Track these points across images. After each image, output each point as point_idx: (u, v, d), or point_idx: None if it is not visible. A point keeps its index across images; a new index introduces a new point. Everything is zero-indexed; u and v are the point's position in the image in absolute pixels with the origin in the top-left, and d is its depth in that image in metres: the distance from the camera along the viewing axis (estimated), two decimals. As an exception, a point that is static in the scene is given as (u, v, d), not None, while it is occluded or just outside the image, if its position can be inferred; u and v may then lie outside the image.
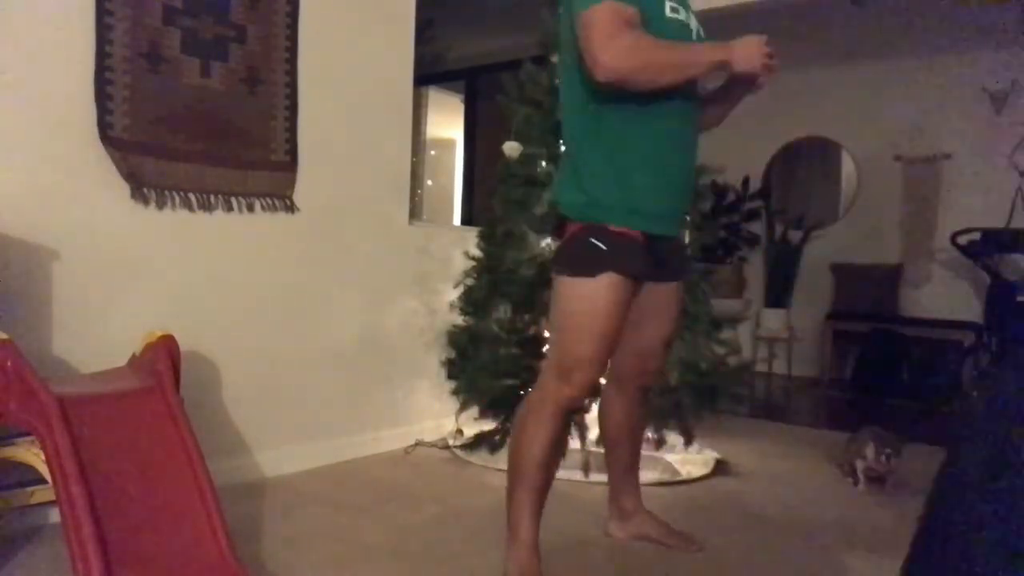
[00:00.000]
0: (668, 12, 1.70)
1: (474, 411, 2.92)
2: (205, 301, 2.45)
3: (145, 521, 1.60)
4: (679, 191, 1.81)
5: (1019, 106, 5.09)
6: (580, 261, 1.71)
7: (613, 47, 1.55)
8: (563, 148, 1.90)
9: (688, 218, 1.94)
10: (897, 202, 5.59)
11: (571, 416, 1.83)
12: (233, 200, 2.50)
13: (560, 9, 1.78)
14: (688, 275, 1.99)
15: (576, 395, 1.74)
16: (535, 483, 1.76)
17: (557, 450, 1.79)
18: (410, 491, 2.54)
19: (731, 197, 5.98)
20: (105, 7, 2.13)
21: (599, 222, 1.71)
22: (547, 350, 1.79)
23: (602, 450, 2.25)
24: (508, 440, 1.83)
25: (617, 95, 1.65)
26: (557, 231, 1.83)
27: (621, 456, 2.11)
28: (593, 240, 1.70)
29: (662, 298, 1.91)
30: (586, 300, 1.70)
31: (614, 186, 1.71)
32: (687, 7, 1.79)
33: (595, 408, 2.74)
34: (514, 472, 1.79)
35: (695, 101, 1.82)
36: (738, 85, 1.82)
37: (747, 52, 1.64)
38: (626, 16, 1.58)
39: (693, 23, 1.79)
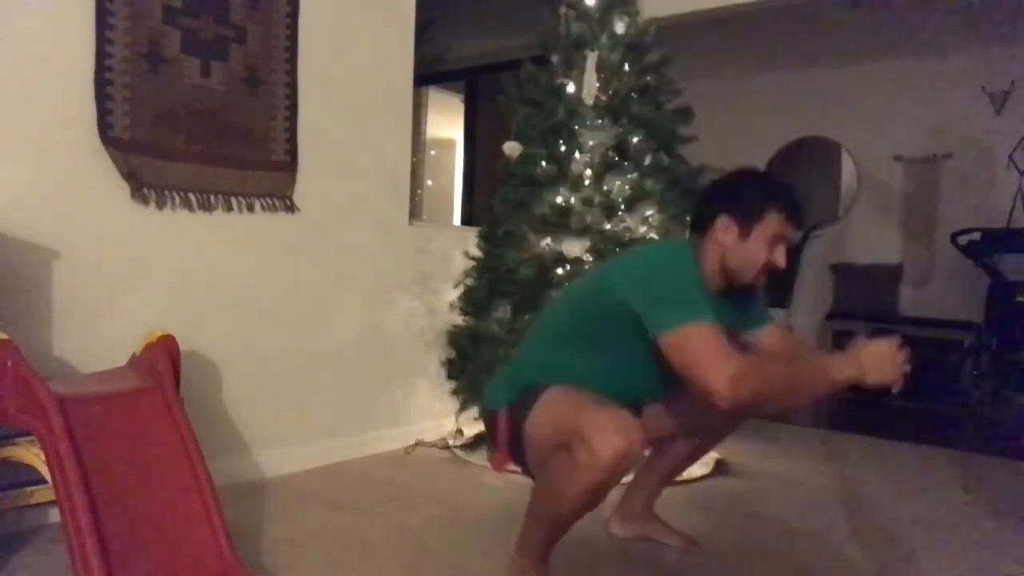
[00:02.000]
0: None
1: (474, 411, 2.92)
2: (205, 301, 2.45)
3: (145, 521, 1.60)
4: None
5: (1019, 106, 5.09)
6: (521, 409, 1.61)
7: (730, 378, 1.42)
8: (518, 355, 1.85)
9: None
10: (897, 202, 5.59)
11: (621, 472, 1.52)
12: (233, 200, 2.50)
13: (602, 278, 1.70)
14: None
15: (610, 451, 1.43)
16: (564, 528, 1.64)
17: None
18: (410, 491, 2.54)
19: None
20: (105, 7, 2.13)
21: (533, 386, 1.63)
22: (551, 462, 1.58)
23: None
24: (543, 479, 1.63)
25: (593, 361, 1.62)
26: (492, 433, 1.73)
27: (664, 471, 2.05)
28: (525, 401, 1.61)
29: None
30: (549, 406, 1.58)
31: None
32: (733, 312, 1.73)
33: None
34: (546, 514, 1.63)
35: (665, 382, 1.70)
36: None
37: (879, 363, 1.49)
38: (723, 337, 1.48)
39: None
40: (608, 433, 1.43)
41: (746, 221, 1.65)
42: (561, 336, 1.73)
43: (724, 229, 1.66)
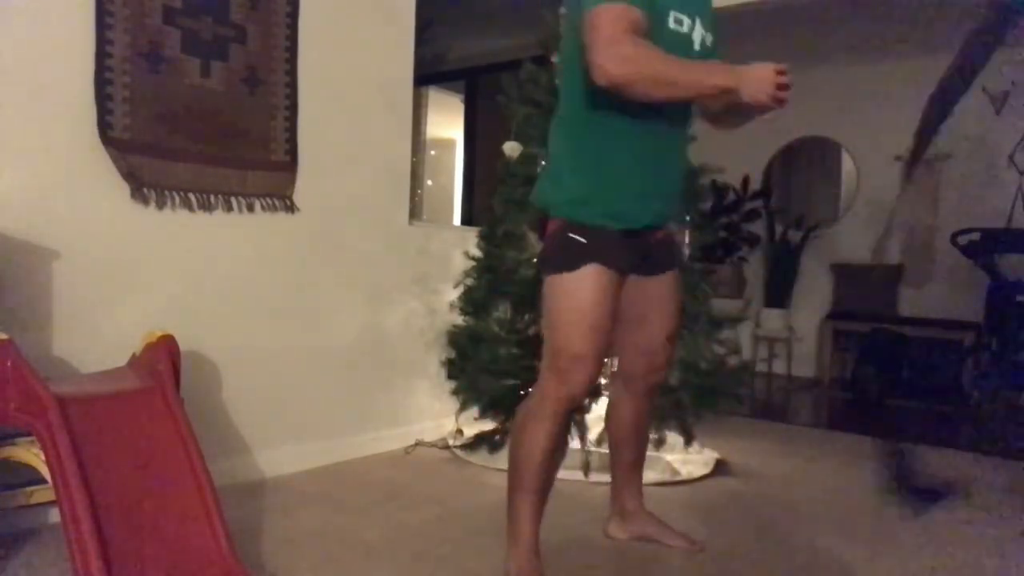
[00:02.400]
0: (671, 23, 1.67)
1: (474, 411, 2.92)
2: (205, 301, 2.45)
3: (145, 521, 1.60)
4: (662, 198, 1.81)
5: (1019, 106, 5.09)
6: (561, 256, 1.72)
7: (613, 52, 1.50)
8: (549, 146, 1.90)
9: (677, 217, 1.92)
10: (897, 202, 5.59)
11: (571, 416, 1.81)
12: (233, 200, 2.50)
13: (562, 8, 1.77)
14: (675, 266, 1.96)
15: (575, 394, 1.72)
16: (535, 485, 1.75)
17: (558, 452, 1.79)
18: (410, 491, 2.54)
19: (731, 197, 5.98)
20: (105, 7, 2.13)
21: (579, 219, 1.72)
22: (543, 350, 1.78)
23: (602, 450, 2.26)
24: (508, 442, 1.82)
25: (610, 100, 1.63)
26: (540, 230, 1.84)
27: (626, 456, 2.10)
28: (572, 235, 1.71)
29: (657, 293, 1.91)
30: (571, 294, 1.70)
31: (596, 187, 1.72)
32: (699, 15, 1.75)
33: (595, 408, 2.75)
34: (514, 474, 1.78)
35: (688, 114, 1.82)
36: (745, 108, 1.72)
37: (757, 81, 1.54)
38: (633, 20, 1.53)
39: (698, 34, 1.74)
40: (571, 372, 1.68)
41: None
42: (578, 115, 1.75)
43: None
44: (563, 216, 1.75)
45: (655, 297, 1.91)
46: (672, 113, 1.74)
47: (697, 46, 1.74)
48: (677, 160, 1.85)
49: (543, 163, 2.84)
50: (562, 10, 2.82)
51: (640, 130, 1.70)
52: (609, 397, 2.11)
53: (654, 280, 1.90)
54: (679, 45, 1.69)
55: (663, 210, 1.84)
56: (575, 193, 1.73)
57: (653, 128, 1.72)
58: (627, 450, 2.10)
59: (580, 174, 1.74)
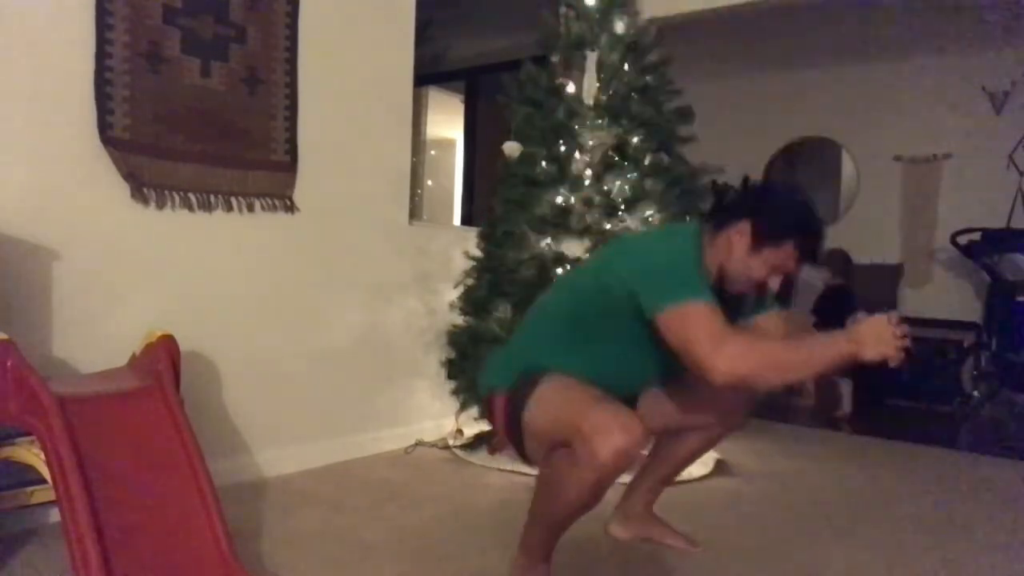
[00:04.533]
0: None
1: (474, 411, 2.92)
2: (205, 301, 2.45)
3: (145, 521, 1.60)
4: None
5: (1019, 106, 5.09)
6: (521, 396, 1.60)
7: (726, 355, 1.44)
8: (516, 339, 1.83)
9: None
10: (897, 202, 5.59)
11: (618, 472, 1.52)
12: (233, 200, 2.50)
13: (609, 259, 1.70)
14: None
15: (611, 449, 1.43)
16: (566, 526, 1.66)
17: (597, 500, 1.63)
18: (410, 491, 2.54)
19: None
20: (105, 7, 2.13)
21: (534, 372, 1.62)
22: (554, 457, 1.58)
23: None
24: (544, 476, 1.64)
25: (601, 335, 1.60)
26: (488, 416, 1.75)
27: (664, 470, 2.01)
28: (522, 388, 1.61)
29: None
30: (547, 397, 1.58)
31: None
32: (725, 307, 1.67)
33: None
34: (546, 513, 1.65)
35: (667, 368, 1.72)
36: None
37: (876, 339, 1.47)
38: (721, 317, 1.49)
39: None
40: (608, 432, 1.43)
41: (763, 238, 1.62)
42: (560, 319, 1.73)
43: (741, 233, 1.64)
44: (510, 384, 1.65)
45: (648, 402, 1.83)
46: (655, 361, 1.68)
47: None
48: (650, 376, 1.79)
49: (543, 163, 2.84)
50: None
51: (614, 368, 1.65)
52: None
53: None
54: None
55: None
56: (536, 361, 1.65)
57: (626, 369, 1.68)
58: (669, 466, 2.00)
59: (541, 360, 1.65)
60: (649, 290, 1.54)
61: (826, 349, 1.52)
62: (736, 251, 1.64)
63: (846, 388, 4.49)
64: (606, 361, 1.65)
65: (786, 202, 1.71)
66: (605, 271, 1.66)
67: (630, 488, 2.10)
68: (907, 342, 1.50)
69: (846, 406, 4.46)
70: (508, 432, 1.68)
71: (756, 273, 1.63)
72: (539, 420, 1.59)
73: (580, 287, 1.75)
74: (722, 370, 1.44)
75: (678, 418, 1.86)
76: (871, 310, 1.57)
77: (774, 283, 1.66)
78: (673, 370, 1.67)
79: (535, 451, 1.64)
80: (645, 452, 2.01)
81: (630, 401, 1.68)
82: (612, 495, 2.15)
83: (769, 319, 1.81)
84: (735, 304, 1.75)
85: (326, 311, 2.83)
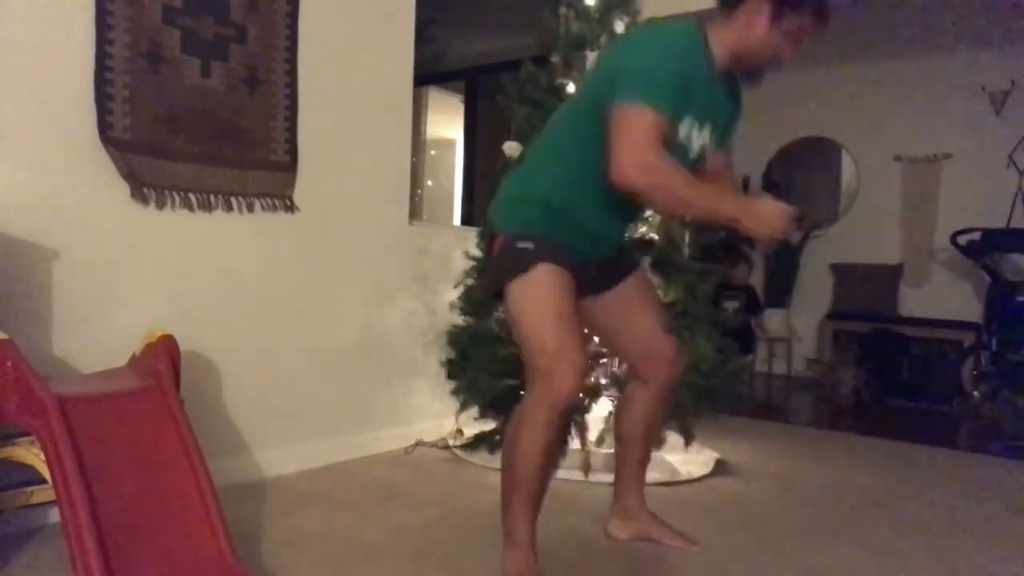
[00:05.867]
0: (680, 136, 1.70)
1: (474, 411, 2.92)
2: (205, 301, 2.45)
3: (145, 521, 1.60)
4: (606, 242, 1.89)
5: (1019, 106, 5.10)
6: (511, 265, 1.74)
7: (639, 159, 1.56)
8: (521, 164, 1.93)
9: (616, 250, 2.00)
10: (897, 202, 5.59)
11: (568, 418, 1.80)
12: (233, 200, 2.50)
13: (601, 53, 1.79)
14: (635, 266, 2.02)
15: (563, 392, 1.67)
16: (531, 489, 1.74)
17: (553, 455, 1.78)
18: (410, 491, 2.54)
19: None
20: (105, 7, 2.13)
21: (525, 232, 1.76)
22: (524, 360, 1.78)
23: (602, 450, 2.25)
24: (503, 445, 1.81)
25: (598, 158, 1.65)
26: (488, 248, 1.87)
27: (634, 453, 2.08)
28: (519, 244, 1.74)
29: (627, 297, 1.94)
30: (530, 296, 1.71)
31: (549, 219, 1.76)
32: (712, 122, 1.78)
33: (595, 408, 2.75)
34: (509, 478, 1.77)
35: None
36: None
37: (764, 220, 1.63)
38: (661, 130, 1.58)
39: (699, 142, 1.77)
40: (559, 375, 1.64)
41: (782, 8, 1.66)
42: (560, 137, 1.81)
43: (757, 10, 1.68)
44: (511, 231, 1.79)
45: (627, 301, 1.94)
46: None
47: (693, 153, 1.78)
48: (627, 217, 1.94)
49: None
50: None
51: (607, 186, 1.69)
52: (625, 392, 2.09)
53: (619, 288, 1.93)
54: (678, 156, 1.70)
55: (604, 250, 1.90)
56: (524, 214, 1.79)
57: (612, 193, 1.72)
58: (636, 448, 2.07)
59: (532, 200, 1.79)
60: (618, 86, 1.62)
61: (716, 205, 1.65)
62: (756, 27, 1.69)
63: (848, 372, 4.52)
64: (596, 177, 1.70)
65: None
66: (603, 72, 1.74)
67: (616, 488, 2.14)
68: (791, 235, 1.65)
69: (846, 384, 4.48)
70: (493, 269, 1.85)
71: (775, 44, 1.69)
72: (515, 309, 1.74)
73: (579, 101, 1.83)
74: (626, 173, 1.56)
75: (619, 336, 1.99)
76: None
77: (791, 53, 1.72)
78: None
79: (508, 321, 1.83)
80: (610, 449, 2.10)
81: (610, 236, 1.88)
82: (605, 495, 2.16)
83: (716, 159, 1.89)
84: (735, 96, 1.85)
85: (326, 311, 2.83)
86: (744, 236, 1.68)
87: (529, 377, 1.76)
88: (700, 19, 1.76)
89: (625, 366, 2.09)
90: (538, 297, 1.70)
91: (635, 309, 1.94)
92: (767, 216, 1.62)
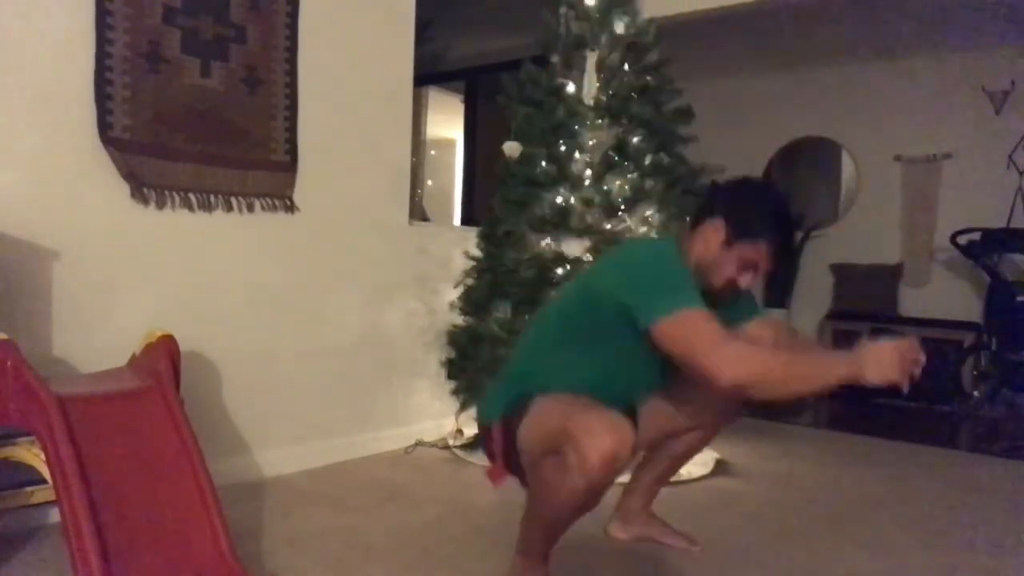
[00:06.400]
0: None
1: (474, 411, 2.91)
2: (205, 301, 2.45)
3: (145, 521, 1.60)
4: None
5: (1019, 106, 5.09)
6: (516, 422, 1.59)
7: (730, 359, 1.43)
8: (510, 365, 1.83)
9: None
10: (897, 202, 5.59)
11: (612, 475, 1.49)
12: (233, 200, 2.50)
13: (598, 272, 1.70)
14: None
15: (601, 448, 1.40)
16: (561, 526, 1.64)
17: (591, 502, 1.57)
18: (410, 491, 2.54)
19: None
20: (105, 7, 2.13)
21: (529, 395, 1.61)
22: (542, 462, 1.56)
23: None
24: (534, 477, 1.62)
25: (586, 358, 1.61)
26: (485, 448, 1.74)
27: (660, 468, 2.01)
28: (518, 412, 1.60)
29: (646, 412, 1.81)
30: (538, 409, 1.57)
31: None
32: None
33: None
34: (538, 510, 1.63)
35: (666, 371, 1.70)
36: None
37: (881, 363, 1.43)
38: (717, 321, 1.47)
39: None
40: (597, 436, 1.41)
41: (737, 234, 1.61)
42: (552, 342, 1.71)
43: (715, 229, 1.63)
44: (505, 412, 1.64)
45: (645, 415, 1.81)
46: (645, 372, 1.69)
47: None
48: (647, 385, 1.77)
49: (543, 163, 2.84)
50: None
51: (605, 385, 1.62)
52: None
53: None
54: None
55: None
56: (529, 386, 1.64)
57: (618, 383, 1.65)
58: (666, 465, 2.00)
59: (533, 380, 1.65)
60: (641, 301, 1.51)
61: (830, 367, 1.48)
62: (710, 247, 1.63)
63: None
64: (602, 374, 1.64)
65: (762, 198, 1.69)
66: (592, 287, 1.64)
67: (628, 488, 2.10)
68: (918, 368, 1.46)
69: None
70: (507, 460, 1.66)
71: (728, 269, 1.62)
72: (531, 434, 1.57)
73: (567, 307, 1.73)
74: (728, 375, 1.42)
75: (676, 422, 1.85)
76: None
77: (745, 280, 1.64)
78: (668, 376, 1.67)
79: (530, 469, 1.61)
80: (640, 455, 2.01)
81: (629, 412, 1.65)
82: (611, 495, 2.16)
83: (762, 326, 1.80)
84: (724, 306, 1.72)
85: (326, 311, 2.83)
86: (886, 389, 1.49)
87: (564, 457, 1.49)
88: (676, 235, 1.72)
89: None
90: (552, 403, 1.56)
91: (650, 418, 1.81)
92: (883, 359, 1.43)
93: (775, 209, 1.64)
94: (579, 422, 1.45)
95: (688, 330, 1.47)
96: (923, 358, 1.47)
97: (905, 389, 1.47)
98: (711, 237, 1.63)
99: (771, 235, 1.60)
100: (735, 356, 1.43)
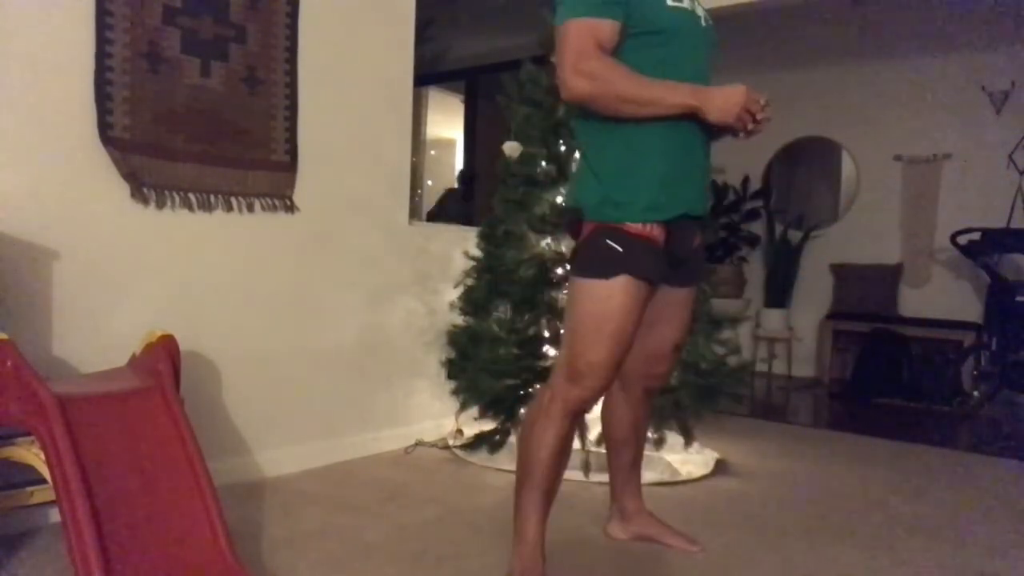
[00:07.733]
0: (669, 1, 1.64)
1: (474, 411, 2.92)
2: (205, 301, 2.45)
3: (145, 521, 1.60)
4: (691, 184, 1.73)
5: (1019, 106, 5.10)
6: (595, 263, 1.67)
7: (578, 69, 1.55)
8: (578, 150, 1.88)
9: (705, 211, 1.86)
10: (897, 202, 5.59)
11: (579, 418, 1.81)
12: (233, 200, 2.50)
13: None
14: (702, 279, 1.97)
15: (586, 397, 1.72)
16: (543, 484, 1.74)
17: (565, 451, 1.77)
18: (410, 491, 2.54)
19: (731, 197, 5.99)
20: (105, 7, 2.13)
21: (615, 222, 1.66)
22: (560, 350, 1.76)
23: (603, 450, 2.25)
24: (516, 440, 1.82)
25: None
26: (572, 230, 1.78)
27: (624, 457, 2.10)
28: (608, 241, 1.65)
29: (675, 301, 1.88)
30: (600, 302, 1.65)
31: (630, 179, 1.66)
32: None
33: (597, 408, 2.75)
34: (522, 472, 1.77)
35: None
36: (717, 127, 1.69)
37: (723, 103, 1.56)
38: (600, 35, 1.55)
39: (700, 11, 1.73)
40: (591, 382, 1.68)
41: None
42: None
43: None
44: (598, 220, 1.69)
45: (673, 304, 1.87)
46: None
47: (702, 21, 1.72)
48: (702, 148, 1.76)
49: (543, 163, 2.85)
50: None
51: (663, 124, 1.64)
52: (606, 397, 2.10)
53: (677, 290, 1.86)
54: (684, 20, 1.66)
55: (693, 197, 1.74)
56: (609, 192, 1.67)
57: (675, 122, 1.65)
58: (625, 451, 2.10)
59: (612, 171, 1.68)
60: (557, 4, 1.61)
61: (672, 95, 1.58)
62: None
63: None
64: (654, 131, 1.65)
65: None
66: None
67: (611, 487, 2.15)
68: (760, 116, 1.57)
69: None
70: (577, 255, 1.75)
71: None
72: (579, 307, 1.70)
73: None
74: (569, 85, 1.56)
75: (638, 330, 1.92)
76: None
77: None
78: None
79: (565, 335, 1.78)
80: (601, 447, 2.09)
81: (699, 182, 1.76)
82: (605, 495, 2.16)
83: None
84: None
85: (326, 311, 2.83)
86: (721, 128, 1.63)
87: (557, 367, 1.76)
88: None
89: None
90: (606, 309, 1.65)
91: (671, 315, 1.89)
92: (728, 98, 1.55)
93: None
94: (589, 363, 1.67)
95: (562, 41, 1.58)
96: (762, 102, 1.57)
97: (741, 136, 1.61)
98: None
99: None
100: (587, 71, 1.55)
